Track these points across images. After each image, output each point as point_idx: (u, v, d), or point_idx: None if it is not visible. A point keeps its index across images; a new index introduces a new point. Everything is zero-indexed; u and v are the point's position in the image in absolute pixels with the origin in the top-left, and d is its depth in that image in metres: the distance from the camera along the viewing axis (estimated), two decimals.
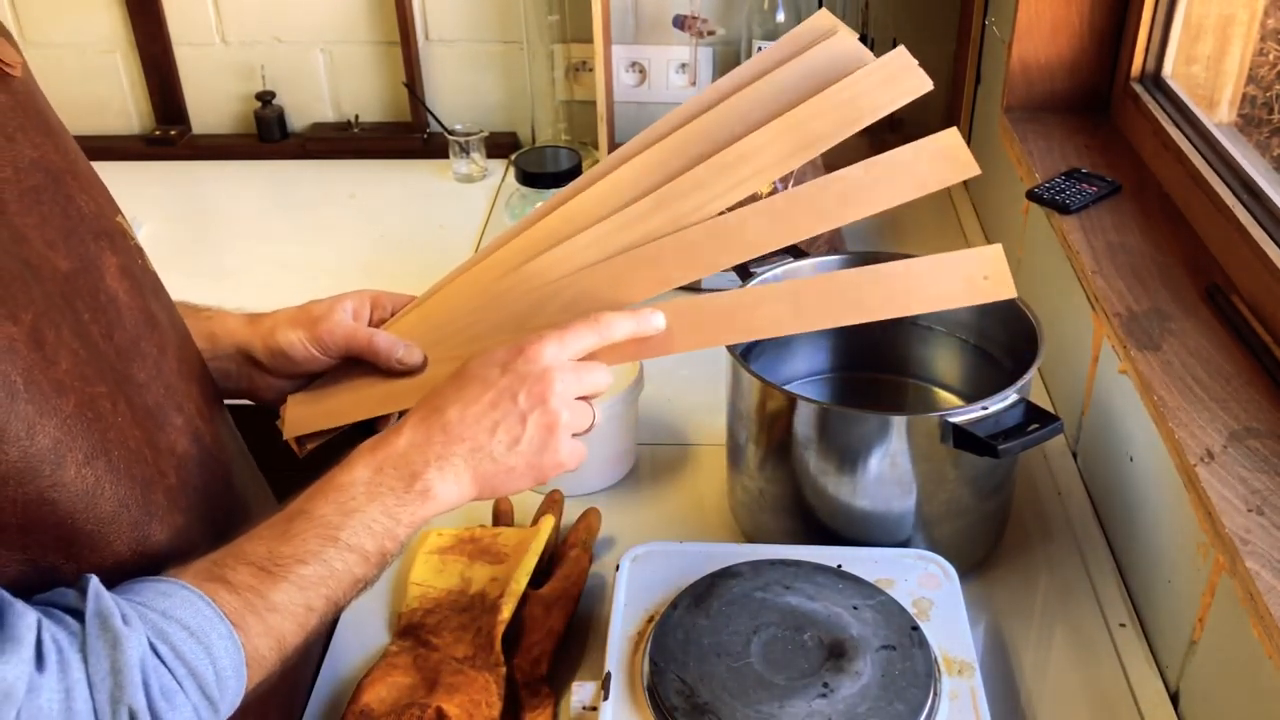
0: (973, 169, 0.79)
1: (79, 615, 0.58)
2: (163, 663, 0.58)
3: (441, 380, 0.80)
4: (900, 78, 0.81)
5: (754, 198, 0.81)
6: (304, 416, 0.84)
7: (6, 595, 0.56)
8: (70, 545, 0.61)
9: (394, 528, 0.69)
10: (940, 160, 0.80)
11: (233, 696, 0.62)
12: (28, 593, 0.58)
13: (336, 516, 0.67)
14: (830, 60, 0.82)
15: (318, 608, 0.66)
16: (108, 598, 0.58)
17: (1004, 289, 0.79)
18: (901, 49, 0.82)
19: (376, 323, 0.87)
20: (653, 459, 1.14)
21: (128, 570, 0.64)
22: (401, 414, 0.85)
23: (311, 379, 0.86)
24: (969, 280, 0.80)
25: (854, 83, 0.80)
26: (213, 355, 0.84)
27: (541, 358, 0.74)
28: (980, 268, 0.80)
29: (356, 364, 0.85)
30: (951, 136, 0.80)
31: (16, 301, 0.59)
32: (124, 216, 0.75)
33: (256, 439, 0.88)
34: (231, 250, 1.58)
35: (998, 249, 0.80)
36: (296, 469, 0.84)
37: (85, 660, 0.56)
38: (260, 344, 0.84)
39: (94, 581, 0.59)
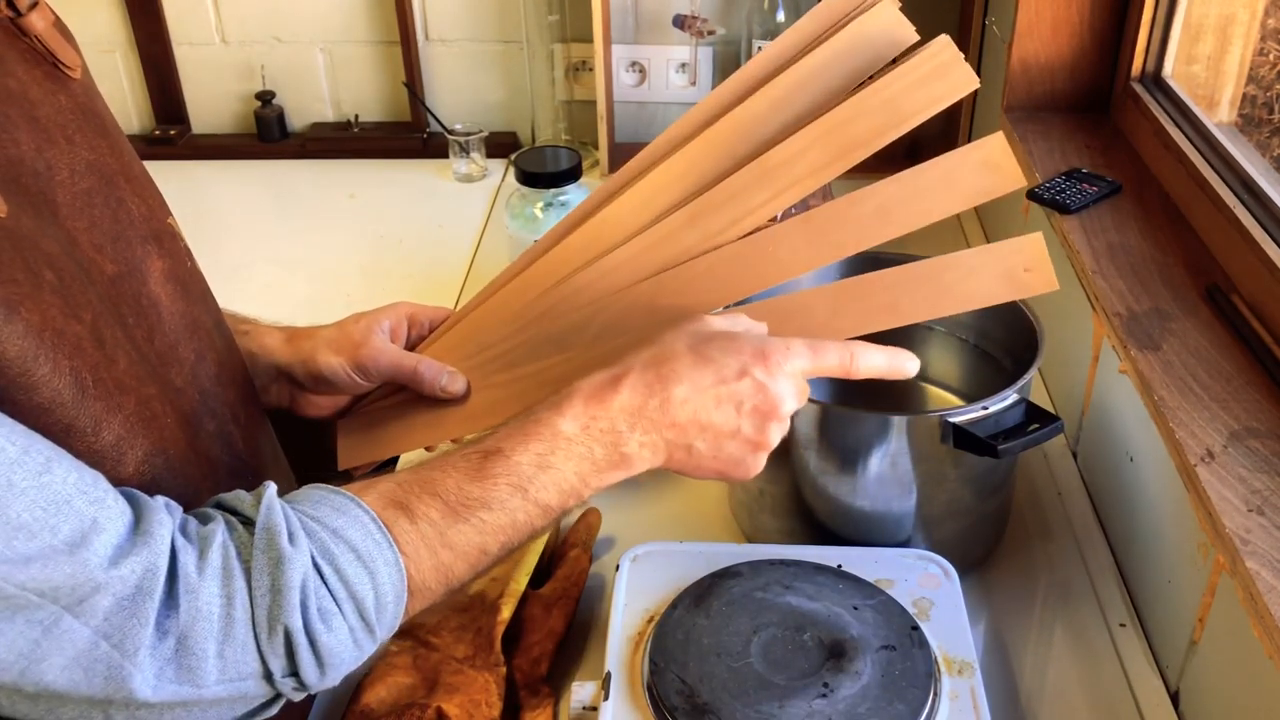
0: (1020, 180, 0.74)
1: (250, 523, 0.59)
2: (324, 583, 0.59)
3: (492, 407, 0.80)
4: (944, 73, 0.74)
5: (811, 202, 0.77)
6: (357, 447, 0.86)
7: (143, 495, 0.57)
8: None
9: (581, 489, 0.69)
10: (985, 170, 0.74)
11: (390, 621, 0.63)
12: None
13: (531, 469, 0.67)
14: (869, 40, 0.76)
15: (492, 552, 0.66)
16: (279, 513, 0.59)
17: (1046, 281, 0.75)
18: (944, 38, 0.75)
19: (414, 340, 0.86)
20: None
21: None
22: (454, 441, 0.85)
23: (352, 399, 0.87)
24: (1009, 274, 0.75)
25: (894, 80, 0.74)
26: (250, 373, 0.84)
27: (781, 375, 0.70)
28: (1020, 259, 0.75)
29: (401, 386, 0.85)
30: (997, 142, 0.74)
31: (77, 301, 0.59)
32: (174, 218, 0.75)
33: (296, 443, 0.89)
34: (231, 250, 1.58)
35: (1037, 237, 0.75)
36: (335, 475, 0.85)
37: (248, 574, 0.57)
38: (301, 368, 0.84)
39: (270, 492, 0.60)
